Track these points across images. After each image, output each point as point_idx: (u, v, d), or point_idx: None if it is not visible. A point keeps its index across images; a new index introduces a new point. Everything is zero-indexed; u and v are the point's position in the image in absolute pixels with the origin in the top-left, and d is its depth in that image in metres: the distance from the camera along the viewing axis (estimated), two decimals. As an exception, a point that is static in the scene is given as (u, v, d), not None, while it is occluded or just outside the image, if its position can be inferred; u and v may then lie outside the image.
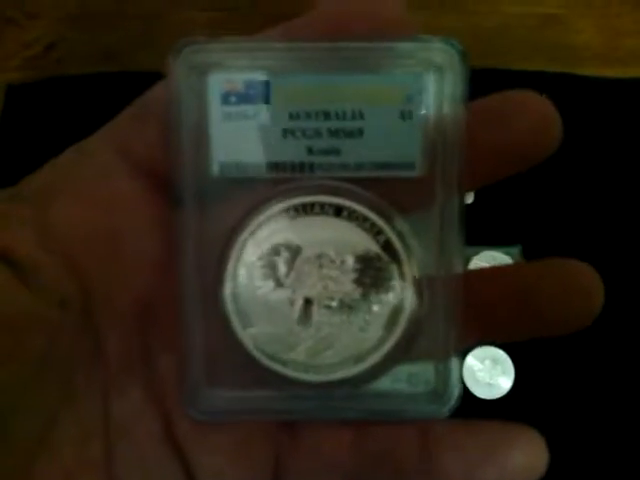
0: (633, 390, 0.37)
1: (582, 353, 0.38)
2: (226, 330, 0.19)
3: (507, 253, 0.39)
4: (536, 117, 0.18)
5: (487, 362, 0.37)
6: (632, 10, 0.44)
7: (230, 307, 0.18)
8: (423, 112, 0.18)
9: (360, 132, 0.18)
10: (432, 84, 0.18)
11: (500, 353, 0.37)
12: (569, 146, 0.40)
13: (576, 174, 0.40)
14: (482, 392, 0.38)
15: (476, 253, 0.40)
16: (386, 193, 0.18)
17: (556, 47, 0.43)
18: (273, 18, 0.19)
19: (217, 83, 0.18)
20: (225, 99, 0.18)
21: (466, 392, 0.38)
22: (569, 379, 0.38)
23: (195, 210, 0.18)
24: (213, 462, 0.19)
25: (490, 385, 0.38)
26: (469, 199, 0.39)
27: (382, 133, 0.18)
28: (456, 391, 0.19)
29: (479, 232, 0.39)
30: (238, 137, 0.18)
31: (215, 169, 0.18)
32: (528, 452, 0.19)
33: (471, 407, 0.38)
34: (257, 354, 0.19)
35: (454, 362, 0.19)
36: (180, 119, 0.18)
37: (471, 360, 0.36)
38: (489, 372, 0.37)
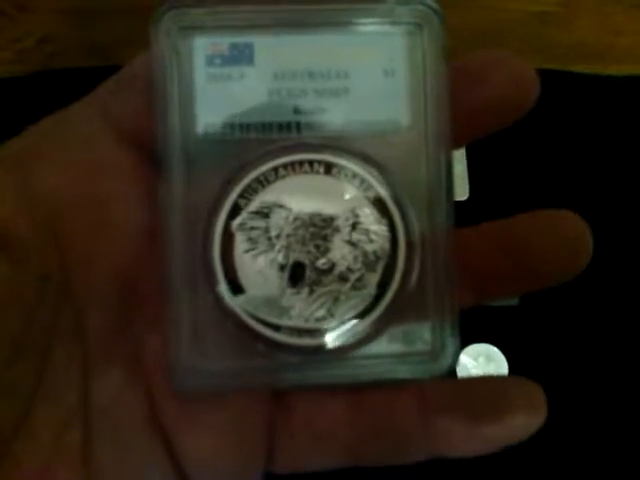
0: (627, 383, 0.37)
1: (576, 349, 0.38)
2: (215, 297, 0.18)
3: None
4: (512, 72, 0.18)
5: (481, 359, 0.37)
6: (628, 8, 0.44)
7: (218, 273, 0.18)
8: (406, 69, 0.18)
9: (346, 91, 0.18)
10: (412, 42, 0.18)
11: (494, 350, 0.36)
12: (565, 143, 0.41)
13: (572, 171, 0.40)
14: (476, 388, 0.38)
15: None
16: (374, 150, 0.18)
17: (552, 44, 0.43)
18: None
19: (202, 46, 0.18)
20: (210, 61, 0.18)
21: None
22: (563, 375, 0.38)
23: (181, 173, 0.18)
24: (202, 444, 0.18)
25: (484, 382, 0.38)
26: (465, 195, 0.39)
27: (367, 91, 0.18)
28: (453, 348, 0.19)
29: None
30: (223, 98, 0.18)
31: (200, 130, 0.18)
32: (528, 405, 0.19)
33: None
34: (248, 321, 0.18)
35: (450, 319, 0.19)
36: (164, 82, 0.18)
37: (465, 358, 0.36)
38: (483, 369, 0.37)
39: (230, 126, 0.18)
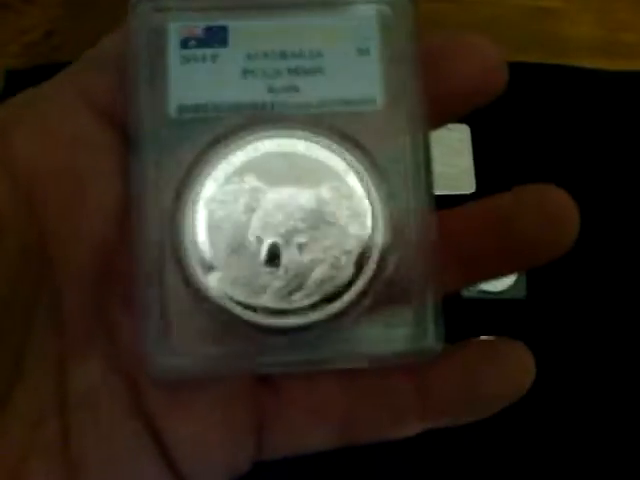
0: (634, 378, 0.37)
1: (583, 343, 0.38)
2: (187, 279, 0.18)
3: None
4: (480, 59, 0.18)
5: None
6: (631, 3, 0.44)
7: (191, 253, 0.18)
8: (379, 48, 0.18)
9: (320, 70, 0.18)
10: (385, 21, 0.18)
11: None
12: (568, 139, 0.41)
13: (577, 165, 0.40)
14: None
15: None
16: (349, 128, 0.18)
17: (555, 40, 0.43)
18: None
19: (176, 29, 0.18)
20: (184, 44, 0.18)
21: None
22: (570, 368, 0.37)
23: (152, 153, 0.18)
24: (191, 432, 0.18)
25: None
26: (471, 189, 0.39)
27: (341, 70, 0.18)
28: (436, 332, 0.18)
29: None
30: (197, 79, 0.18)
31: (172, 111, 0.18)
32: (519, 362, 0.19)
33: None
34: (223, 302, 0.18)
35: (433, 302, 0.18)
36: (138, 64, 0.18)
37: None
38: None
39: (203, 106, 0.18)
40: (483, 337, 0.19)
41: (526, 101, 0.41)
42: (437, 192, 0.40)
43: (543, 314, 0.38)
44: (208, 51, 0.18)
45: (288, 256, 0.18)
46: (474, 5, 0.43)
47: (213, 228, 0.18)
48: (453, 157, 0.40)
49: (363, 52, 0.18)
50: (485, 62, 0.18)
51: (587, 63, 0.42)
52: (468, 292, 0.38)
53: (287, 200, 0.18)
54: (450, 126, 0.41)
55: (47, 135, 0.18)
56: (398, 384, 0.19)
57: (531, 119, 0.41)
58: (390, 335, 0.18)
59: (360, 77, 0.18)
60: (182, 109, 0.18)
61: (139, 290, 0.17)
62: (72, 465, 0.17)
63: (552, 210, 0.18)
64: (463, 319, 0.38)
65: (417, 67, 0.18)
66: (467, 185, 0.39)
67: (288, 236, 0.18)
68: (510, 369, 0.19)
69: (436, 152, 0.40)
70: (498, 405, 0.19)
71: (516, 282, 0.38)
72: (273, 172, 0.18)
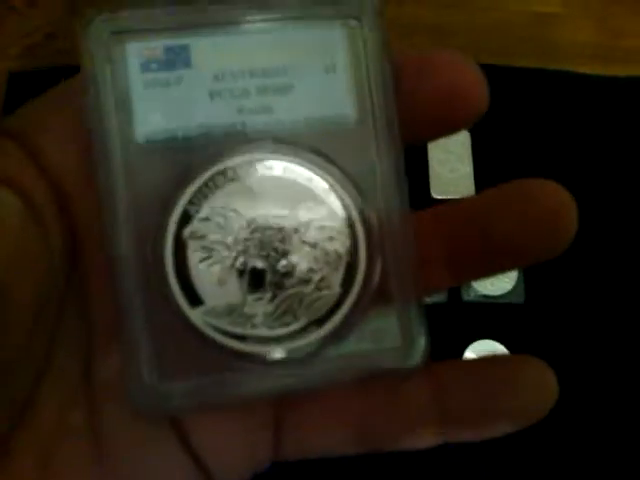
0: (633, 381, 0.37)
1: (581, 347, 0.38)
2: (173, 312, 0.17)
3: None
4: (456, 79, 0.17)
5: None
6: (630, 10, 0.44)
7: (174, 286, 0.17)
8: (346, 64, 0.18)
9: (289, 88, 0.18)
10: (351, 36, 0.18)
11: (499, 347, 0.36)
12: (567, 143, 0.41)
13: (574, 171, 0.40)
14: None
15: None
16: (323, 146, 0.18)
17: (554, 45, 0.43)
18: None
19: (135, 52, 0.17)
20: (145, 67, 0.17)
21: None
22: (568, 373, 0.38)
23: (123, 185, 0.17)
24: (212, 426, 0.18)
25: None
26: (471, 193, 0.39)
27: (310, 87, 0.18)
28: (423, 342, 0.18)
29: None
30: (162, 104, 0.17)
31: (140, 139, 0.17)
32: (540, 382, 0.18)
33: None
34: (211, 333, 0.17)
35: (417, 313, 0.18)
36: (98, 92, 0.17)
37: (470, 354, 0.36)
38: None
39: (172, 132, 0.17)
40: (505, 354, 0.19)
41: (525, 106, 0.41)
42: (437, 196, 0.41)
43: (541, 319, 0.38)
44: (172, 74, 0.17)
45: (273, 282, 0.17)
46: (474, 11, 0.43)
47: (195, 258, 0.17)
48: (453, 162, 0.40)
49: (330, 69, 0.18)
50: (458, 80, 0.17)
51: (586, 69, 0.42)
52: (468, 296, 0.38)
53: (268, 224, 0.17)
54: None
55: (76, 137, 0.17)
56: (414, 394, 0.19)
57: (530, 124, 0.41)
58: (378, 349, 0.18)
59: (330, 94, 0.18)
60: (150, 136, 0.17)
61: (123, 325, 0.17)
62: (100, 447, 0.17)
63: (542, 209, 0.17)
64: (462, 323, 0.38)
65: (388, 81, 0.18)
66: (467, 190, 0.39)
67: (272, 261, 0.17)
68: (530, 389, 0.18)
69: (436, 157, 0.40)
70: (513, 425, 0.18)
71: (515, 287, 0.38)
72: (251, 197, 0.17)
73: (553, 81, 0.42)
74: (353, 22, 0.18)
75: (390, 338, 0.18)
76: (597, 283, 0.39)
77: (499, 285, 0.38)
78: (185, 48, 0.18)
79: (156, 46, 0.17)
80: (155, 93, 0.17)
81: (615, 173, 0.40)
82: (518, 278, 0.38)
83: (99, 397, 0.17)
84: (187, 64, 0.17)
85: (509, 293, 0.38)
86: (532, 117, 0.41)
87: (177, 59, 0.17)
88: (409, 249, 0.18)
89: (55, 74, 0.41)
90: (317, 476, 0.33)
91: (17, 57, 0.40)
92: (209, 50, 0.18)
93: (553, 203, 0.17)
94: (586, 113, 0.41)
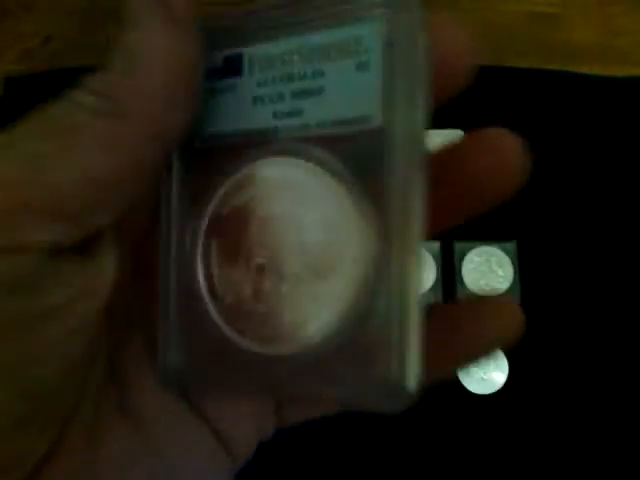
0: (628, 382, 0.37)
1: (576, 348, 0.38)
2: (199, 307, 0.19)
3: (502, 249, 0.39)
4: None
5: (480, 357, 0.37)
6: (628, 9, 0.44)
7: (202, 285, 0.19)
8: (380, 62, 0.17)
9: (320, 90, 0.18)
10: (390, 32, 0.17)
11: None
12: (566, 143, 0.41)
13: (572, 170, 0.40)
14: (476, 387, 0.38)
15: (471, 248, 0.40)
16: (346, 149, 0.18)
17: (552, 45, 0.43)
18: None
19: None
20: (208, 75, 0.18)
21: (460, 387, 0.38)
22: (563, 374, 0.38)
23: (179, 184, 0.19)
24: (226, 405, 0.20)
25: (484, 380, 0.38)
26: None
27: (341, 88, 0.18)
28: (415, 373, 0.17)
29: (474, 227, 0.39)
30: (217, 110, 0.19)
31: (197, 142, 0.19)
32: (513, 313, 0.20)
33: (465, 402, 0.39)
34: (227, 332, 0.18)
35: (416, 340, 0.17)
36: None
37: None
38: (483, 367, 0.38)
39: (220, 137, 0.19)
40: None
41: (525, 106, 0.41)
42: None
43: (535, 319, 0.38)
44: (228, 82, 0.19)
45: (284, 281, 0.18)
46: (474, 12, 0.43)
47: (215, 257, 0.19)
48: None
49: (362, 67, 0.17)
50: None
51: (585, 69, 0.42)
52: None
53: (282, 224, 0.18)
54: (447, 132, 0.41)
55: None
56: None
57: (530, 124, 0.41)
58: (373, 373, 0.17)
59: (359, 95, 0.17)
60: (204, 141, 0.19)
61: (159, 310, 0.19)
62: (134, 420, 0.19)
63: (497, 150, 0.19)
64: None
65: (420, 85, 0.17)
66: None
67: (283, 260, 0.18)
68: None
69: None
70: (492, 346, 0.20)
71: (510, 287, 0.38)
72: (270, 198, 0.18)
73: (552, 81, 0.42)
74: (391, 20, 0.17)
75: (384, 365, 0.17)
76: (593, 283, 0.39)
77: (494, 285, 0.38)
78: (239, 57, 0.19)
79: (217, 56, 0.19)
80: (213, 100, 0.19)
81: (614, 172, 0.41)
82: (514, 279, 0.38)
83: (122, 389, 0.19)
84: (239, 72, 0.19)
85: (505, 294, 0.38)
86: (532, 117, 0.41)
87: (232, 68, 0.19)
88: (418, 263, 0.17)
89: (52, 77, 0.41)
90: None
91: (14, 61, 0.41)
92: (255, 57, 0.19)
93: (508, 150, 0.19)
94: (585, 113, 0.42)
